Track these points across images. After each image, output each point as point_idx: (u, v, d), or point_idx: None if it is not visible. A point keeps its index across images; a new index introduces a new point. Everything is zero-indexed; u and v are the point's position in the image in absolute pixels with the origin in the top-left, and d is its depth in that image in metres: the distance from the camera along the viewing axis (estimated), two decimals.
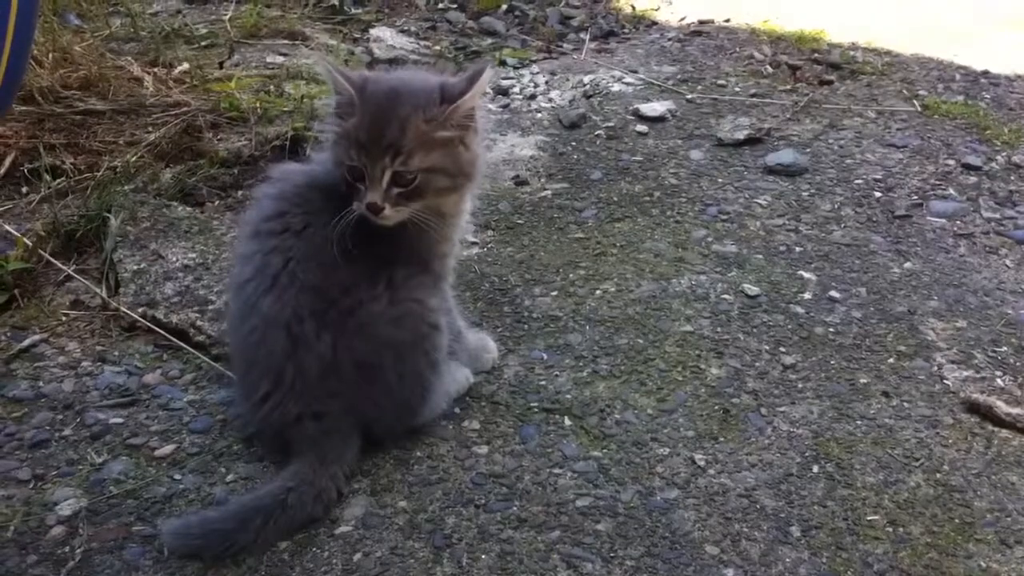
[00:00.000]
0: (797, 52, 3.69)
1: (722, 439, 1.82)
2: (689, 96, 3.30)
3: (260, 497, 1.59)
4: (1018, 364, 2.03)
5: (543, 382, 1.96)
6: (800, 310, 2.19)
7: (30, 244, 2.25)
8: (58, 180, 2.53)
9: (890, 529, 1.62)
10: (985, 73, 3.52)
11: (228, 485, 1.70)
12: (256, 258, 1.69)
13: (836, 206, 2.62)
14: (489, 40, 3.86)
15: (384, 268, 1.71)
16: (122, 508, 1.64)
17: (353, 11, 4.07)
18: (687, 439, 1.81)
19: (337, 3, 4.07)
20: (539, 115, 3.18)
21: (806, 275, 2.31)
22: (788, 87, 3.39)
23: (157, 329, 2.07)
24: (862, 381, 1.98)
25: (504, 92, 3.35)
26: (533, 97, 3.32)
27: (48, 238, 2.31)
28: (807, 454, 1.79)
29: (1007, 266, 2.37)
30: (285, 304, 1.64)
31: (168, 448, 1.78)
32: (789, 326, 2.13)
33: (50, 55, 2.98)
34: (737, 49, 3.73)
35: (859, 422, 1.87)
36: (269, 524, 1.56)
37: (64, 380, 1.95)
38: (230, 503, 1.62)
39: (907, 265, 2.36)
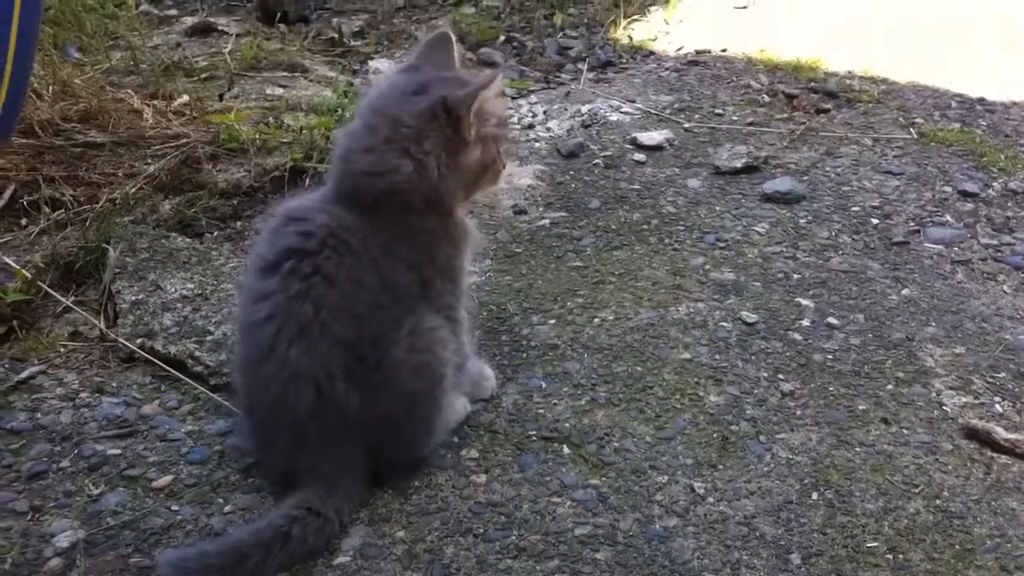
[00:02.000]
0: (794, 81, 3.71)
1: (721, 466, 1.81)
2: (687, 125, 3.31)
3: (260, 531, 1.57)
4: (1017, 390, 2.03)
5: (541, 410, 1.96)
6: (798, 337, 2.19)
7: (29, 276, 2.26)
8: (57, 212, 2.54)
9: (890, 556, 1.62)
10: (981, 100, 3.53)
11: (226, 516, 1.69)
12: (276, 298, 1.64)
13: (834, 233, 2.63)
14: (488, 71, 3.88)
15: (412, 310, 1.71)
16: (119, 539, 1.64)
17: (352, 43, 4.09)
18: (686, 467, 1.81)
19: (336, 35, 4.10)
20: (537, 144, 3.20)
21: (804, 302, 2.31)
22: (785, 116, 3.40)
23: (155, 360, 2.07)
24: (861, 408, 1.97)
25: None
26: (531, 127, 3.33)
27: (47, 270, 2.31)
28: (806, 481, 1.78)
29: (1005, 292, 2.38)
30: (315, 359, 1.62)
31: (166, 479, 1.77)
32: (787, 353, 2.13)
33: (50, 88, 3.00)
34: (734, 78, 3.75)
35: (858, 449, 1.86)
36: (268, 559, 1.54)
37: (62, 411, 1.95)
38: (229, 536, 1.61)
39: (905, 292, 2.37)
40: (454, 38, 1.84)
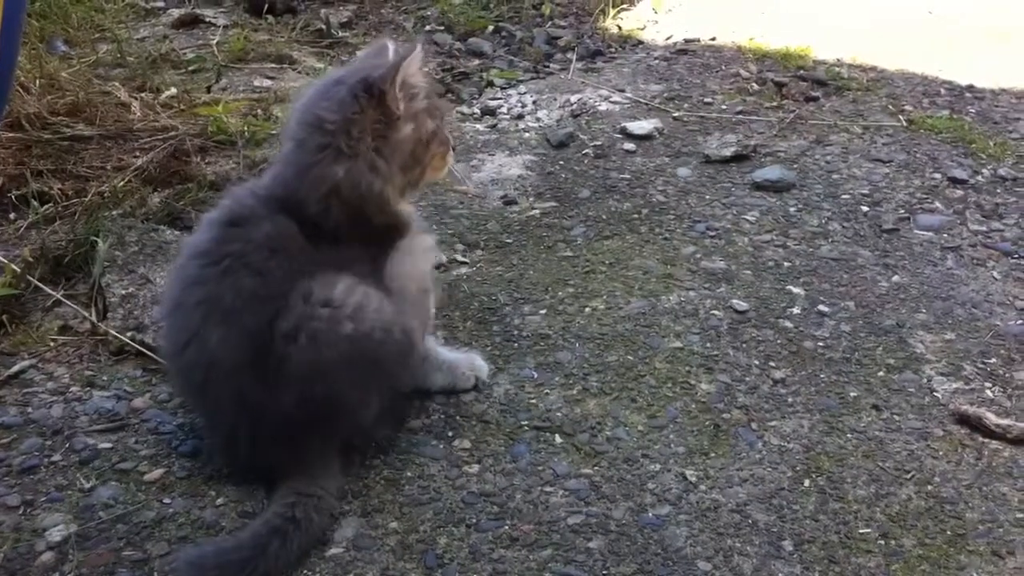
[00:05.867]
0: (783, 69, 3.70)
1: (713, 454, 1.82)
2: (676, 114, 3.31)
3: (269, 520, 1.57)
4: (1007, 375, 2.04)
5: (533, 400, 1.96)
6: (789, 325, 2.19)
7: (18, 270, 2.24)
8: (46, 206, 2.53)
9: (882, 542, 1.62)
10: (970, 87, 3.53)
11: (218, 508, 1.69)
12: (209, 287, 1.63)
13: (824, 221, 2.63)
14: (476, 61, 3.87)
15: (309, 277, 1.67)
16: (112, 533, 1.63)
17: (340, 34, 4.07)
18: (678, 455, 1.81)
19: (324, 26, 4.08)
20: (527, 135, 3.19)
21: (795, 290, 2.32)
22: (774, 104, 3.40)
23: (146, 352, 2.06)
24: (852, 395, 1.98)
25: (492, 112, 3.35)
26: (521, 117, 3.33)
27: (36, 264, 2.30)
28: (798, 468, 1.79)
29: (994, 278, 2.38)
30: (231, 348, 1.60)
31: (157, 472, 1.77)
32: (778, 341, 2.14)
33: (37, 81, 2.98)
34: (723, 67, 3.75)
35: (850, 435, 1.87)
36: (287, 543, 1.53)
37: (53, 405, 1.94)
38: (240, 532, 1.60)
39: (895, 278, 2.37)
40: (391, 46, 1.80)
